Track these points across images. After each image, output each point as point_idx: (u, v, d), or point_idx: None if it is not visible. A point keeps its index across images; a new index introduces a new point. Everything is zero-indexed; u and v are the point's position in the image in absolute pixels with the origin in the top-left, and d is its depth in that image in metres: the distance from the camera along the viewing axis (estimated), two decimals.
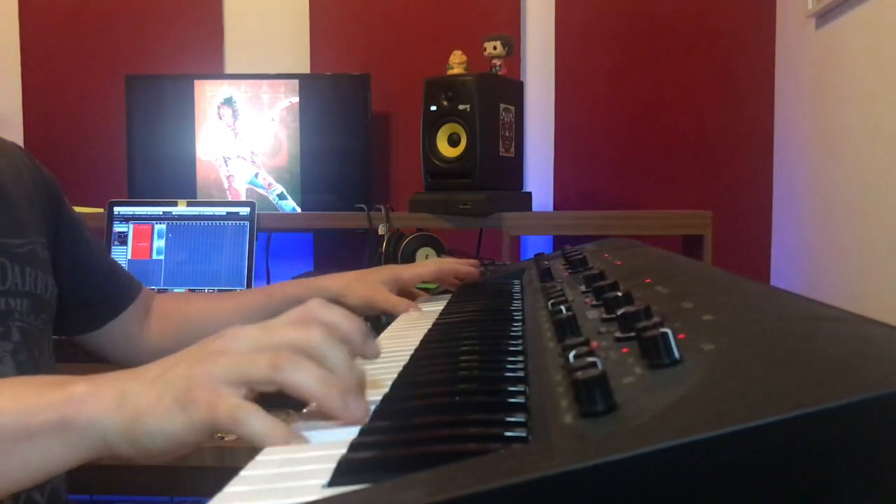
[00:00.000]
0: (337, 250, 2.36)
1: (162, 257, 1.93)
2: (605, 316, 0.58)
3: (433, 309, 0.99)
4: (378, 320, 1.43)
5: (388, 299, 1.06)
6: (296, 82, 2.15)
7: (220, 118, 2.16)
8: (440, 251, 1.80)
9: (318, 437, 0.51)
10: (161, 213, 1.95)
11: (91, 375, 0.58)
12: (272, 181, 2.16)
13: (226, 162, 2.17)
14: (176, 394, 0.52)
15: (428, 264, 1.17)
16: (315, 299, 0.59)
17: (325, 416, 0.53)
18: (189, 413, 0.52)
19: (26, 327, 0.91)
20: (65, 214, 1.05)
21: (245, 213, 1.93)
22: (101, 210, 1.98)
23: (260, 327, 0.56)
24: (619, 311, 0.52)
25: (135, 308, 1.11)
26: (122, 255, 1.92)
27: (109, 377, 0.57)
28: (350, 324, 0.58)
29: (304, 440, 0.51)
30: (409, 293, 1.13)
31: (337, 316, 0.58)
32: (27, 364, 0.90)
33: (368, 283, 1.09)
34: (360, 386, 0.55)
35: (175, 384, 0.53)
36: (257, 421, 0.50)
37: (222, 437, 1.38)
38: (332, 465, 0.42)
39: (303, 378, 0.51)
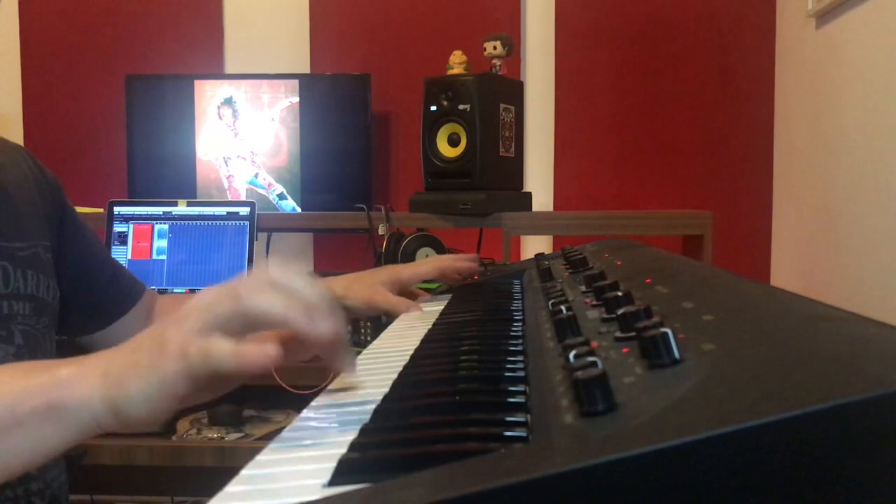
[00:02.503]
0: (337, 250, 2.36)
1: (162, 257, 1.93)
2: (605, 316, 0.58)
3: (433, 309, 0.99)
4: (378, 320, 1.43)
5: (388, 300, 1.06)
6: (296, 82, 2.15)
7: (220, 118, 2.16)
8: (440, 251, 1.80)
9: (318, 437, 0.51)
10: (161, 213, 1.95)
11: (77, 357, 0.59)
12: (272, 181, 2.16)
13: (226, 162, 2.17)
14: (150, 353, 0.54)
15: (427, 262, 1.17)
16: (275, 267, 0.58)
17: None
18: (163, 367, 0.53)
19: (29, 330, 0.91)
20: (68, 216, 1.05)
21: (245, 213, 1.93)
22: (101, 210, 1.98)
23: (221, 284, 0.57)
24: (620, 311, 0.52)
25: (137, 310, 1.11)
26: (122, 255, 1.92)
27: (94, 357, 0.58)
28: (307, 287, 0.57)
29: (278, 350, 0.51)
30: (409, 292, 1.13)
31: (298, 282, 0.56)
32: None
33: (368, 285, 1.08)
34: (323, 301, 0.56)
35: (149, 346, 0.55)
36: (225, 347, 0.51)
37: (222, 438, 1.38)
38: (332, 465, 0.42)
39: (264, 301, 0.53)
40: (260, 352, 0.51)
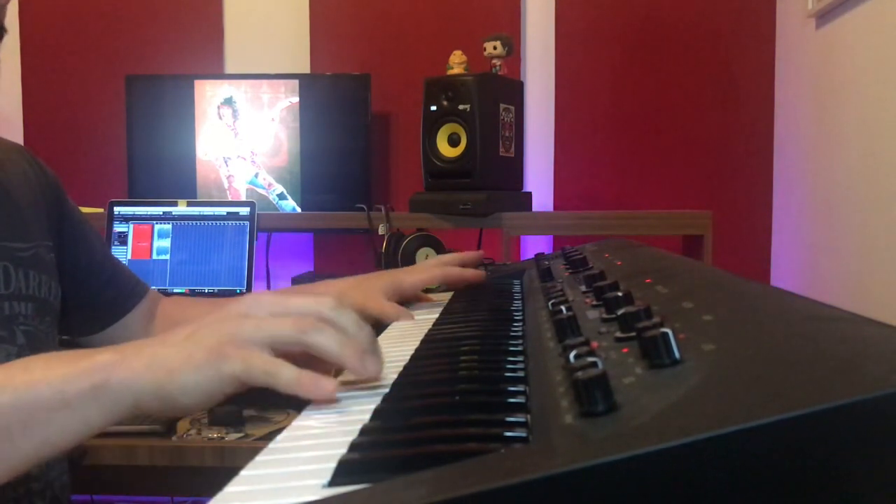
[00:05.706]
0: (337, 250, 2.36)
1: (163, 257, 1.93)
2: (605, 316, 0.58)
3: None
4: (379, 321, 1.42)
5: (380, 307, 1.00)
6: (296, 82, 2.15)
7: (220, 118, 2.16)
8: (440, 251, 1.80)
9: (318, 437, 0.51)
10: (161, 213, 1.95)
11: (112, 346, 0.62)
12: (272, 181, 2.16)
13: (226, 162, 2.17)
14: (207, 349, 0.57)
15: (431, 269, 1.10)
16: (328, 298, 0.62)
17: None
18: (220, 366, 0.56)
19: (31, 331, 0.91)
20: (68, 214, 1.05)
21: (245, 213, 1.93)
22: (101, 210, 1.98)
23: (275, 294, 0.62)
24: (620, 311, 0.52)
25: (139, 310, 1.10)
26: (122, 255, 1.92)
27: (133, 345, 0.61)
28: (358, 330, 0.61)
29: (335, 385, 0.56)
30: (412, 298, 1.10)
31: (346, 320, 0.61)
32: None
33: (364, 290, 1.03)
34: (373, 345, 0.61)
35: (205, 341, 0.57)
36: (288, 371, 0.56)
37: (222, 438, 1.38)
38: (332, 465, 0.42)
39: (324, 340, 0.57)
40: (319, 388, 0.55)
